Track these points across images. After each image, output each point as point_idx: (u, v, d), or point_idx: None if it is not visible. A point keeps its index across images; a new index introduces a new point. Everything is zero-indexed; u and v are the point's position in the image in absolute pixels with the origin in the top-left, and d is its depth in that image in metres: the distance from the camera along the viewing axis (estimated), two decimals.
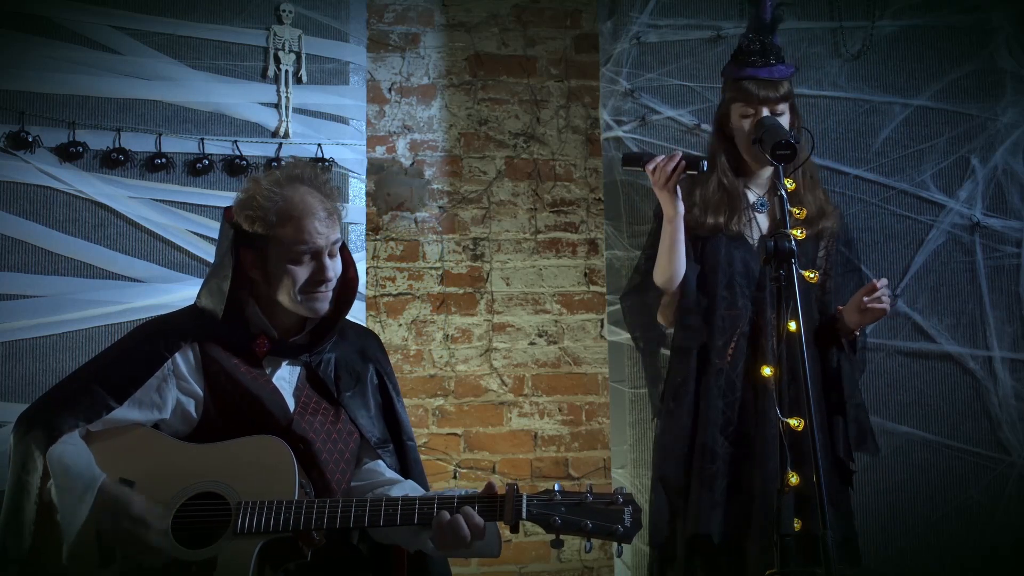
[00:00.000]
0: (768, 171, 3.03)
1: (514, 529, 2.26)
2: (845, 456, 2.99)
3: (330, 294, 2.43)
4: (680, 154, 2.96)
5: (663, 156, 2.97)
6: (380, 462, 2.50)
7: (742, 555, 2.93)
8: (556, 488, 2.27)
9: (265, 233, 2.38)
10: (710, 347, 2.98)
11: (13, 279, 3.16)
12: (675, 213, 2.98)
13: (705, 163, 2.95)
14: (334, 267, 2.43)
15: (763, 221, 3.04)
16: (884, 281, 2.91)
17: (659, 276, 3.04)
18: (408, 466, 2.56)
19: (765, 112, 2.96)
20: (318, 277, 2.39)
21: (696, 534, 2.92)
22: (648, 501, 3.07)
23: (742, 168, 3.07)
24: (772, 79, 2.97)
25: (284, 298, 2.41)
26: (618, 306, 3.50)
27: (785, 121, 2.99)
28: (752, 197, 3.05)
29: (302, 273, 2.39)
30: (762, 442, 2.90)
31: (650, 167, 2.97)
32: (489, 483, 2.32)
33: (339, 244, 2.44)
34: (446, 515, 2.25)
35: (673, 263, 2.99)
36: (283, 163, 3.04)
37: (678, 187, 2.96)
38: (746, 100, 2.99)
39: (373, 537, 2.47)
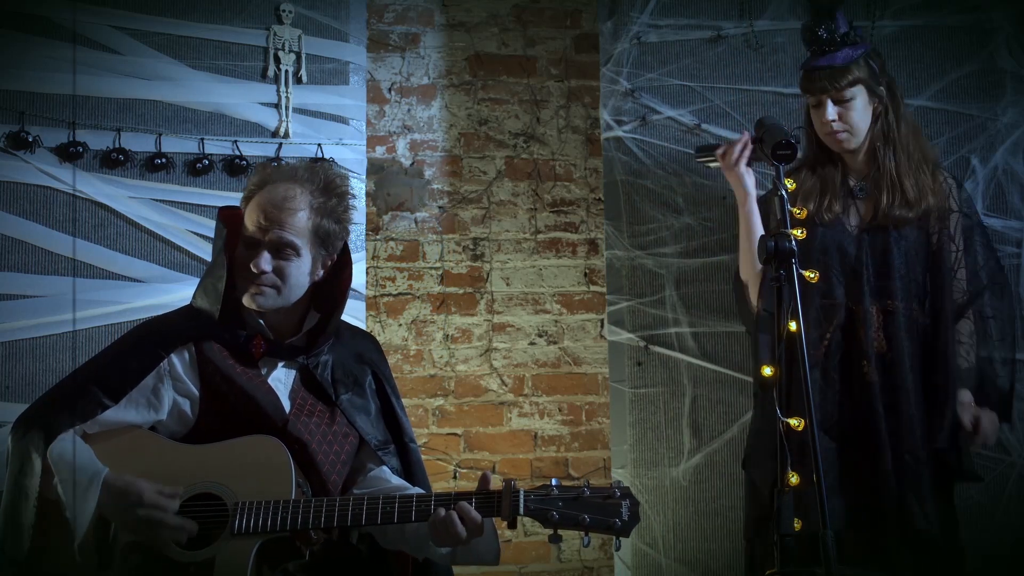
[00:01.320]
0: (862, 156, 3.01)
1: (511, 525, 2.26)
2: (947, 446, 2.91)
3: (270, 291, 2.40)
4: (748, 135, 2.96)
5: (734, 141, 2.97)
6: (385, 468, 2.50)
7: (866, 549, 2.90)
8: (553, 483, 2.27)
9: (242, 215, 2.44)
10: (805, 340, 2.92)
11: (13, 279, 3.16)
12: (746, 194, 2.95)
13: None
14: (281, 266, 2.39)
15: (863, 207, 3.00)
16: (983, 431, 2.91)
17: (743, 268, 3.01)
18: (411, 468, 2.56)
19: (829, 103, 2.94)
20: (248, 266, 2.39)
21: (781, 535, 2.89)
22: (743, 497, 3.05)
23: (836, 155, 3.02)
24: (832, 67, 2.93)
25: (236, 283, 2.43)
26: (618, 305, 3.51)
27: (858, 107, 2.95)
28: (851, 182, 3.02)
29: (241, 260, 2.41)
30: (867, 435, 2.87)
31: (720, 150, 2.99)
32: (483, 474, 2.32)
33: (289, 249, 2.40)
34: (442, 511, 2.25)
35: (752, 252, 2.94)
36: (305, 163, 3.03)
37: (749, 172, 2.94)
38: (808, 91, 2.98)
39: (381, 543, 2.47)
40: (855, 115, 2.96)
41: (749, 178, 2.97)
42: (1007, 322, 3.04)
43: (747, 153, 2.94)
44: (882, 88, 2.99)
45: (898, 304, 2.93)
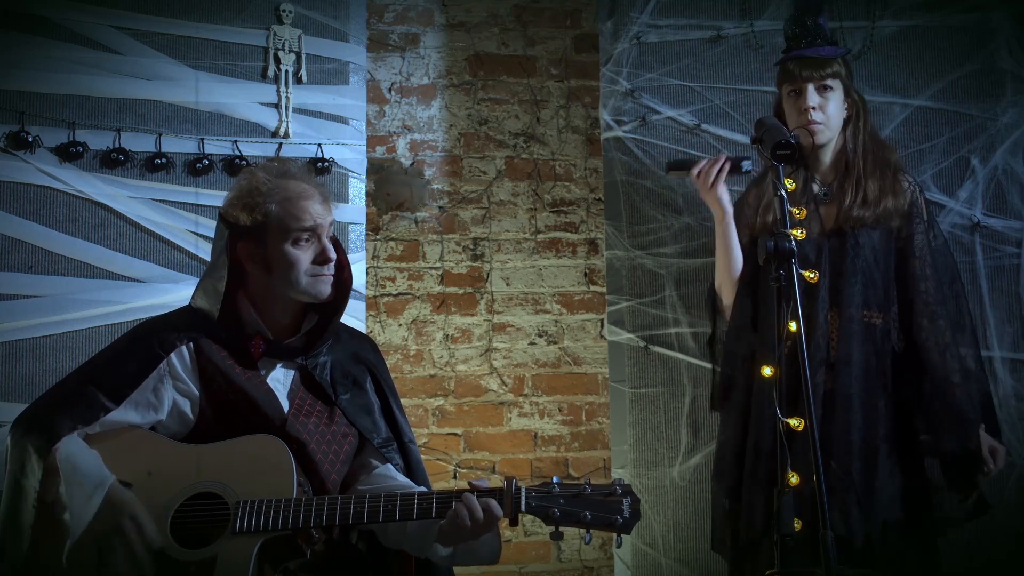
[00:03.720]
0: (828, 157, 3.02)
1: (513, 522, 2.26)
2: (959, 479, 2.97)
3: (331, 278, 2.44)
4: (724, 156, 2.99)
5: (707, 160, 2.99)
6: (389, 466, 2.50)
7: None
8: (554, 480, 2.27)
9: (264, 220, 2.40)
10: (763, 348, 2.92)
11: (13, 279, 3.16)
12: (723, 213, 2.99)
13: (748, 162, 2.97)
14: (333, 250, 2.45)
15: (825, 213, 3.00)
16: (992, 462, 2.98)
17: (718, 279, 3.05)
18: (411, 467, 2.55)
19: (811, 89, 2.95)
20: (322, 257, 2.41)
21: (751, 536, 2.90)
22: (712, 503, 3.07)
23: (803, 157, 3.02)
24: (818, 56, 2.96)
25: (286, 285, 2.41)
26: (618, 305, 3.51)
27: (836, 101, 2.98)
28: (815, 187, 3.03)
29: (303, 256, 2.41)
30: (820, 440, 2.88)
31: (694, 172, 3.01)
32: (472, 482, 2.32)
33: (332, 231, 2.46)
34: (451, 513, 2.25)
35: (729, 265, 2.99)
36: (274, 158, 3.05)
37: (724, 188, 2.97)
38: (790, 80, 2.99)
39: (383, 543, 2.47)
40: (832, 108, 2.98)
41: (724, 194, 2.99)
42: (971, 335, 3.05)
43: (724, 175, 2.97)
44: (855, 92, 3.04)
45: (852, 311, 2.93)
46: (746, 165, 2.97)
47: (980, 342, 3.43)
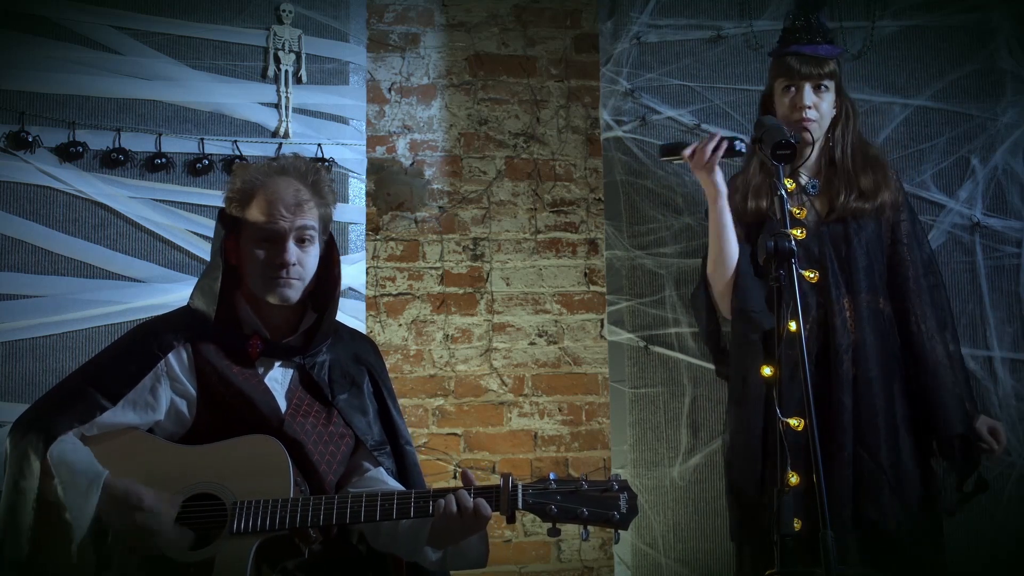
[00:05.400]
0: (815, 154, 3.02)
1: (511, 519, 2.26)
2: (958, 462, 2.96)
3: (296, 282, 2.41)
4: (719, 135, 2.95)
5: (702, 139, 2.96)
6: (381, 469, 2.49)
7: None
8: (551, 477, 2.27)
9: (239, 216, 2.42)
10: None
11: (13, 279, 3.16)
12: (717, 193, 2.94)
13: (742, 143, 2.93)
14: (301, 256, 2.41)
15: (818, 204, 3.00)
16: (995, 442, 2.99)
17: (711, 266, 3.00)
18: (406, 470, 2.55)
19: (807, 88, 2.96)
20: (275, 261, 2.39)
21: (781, 535, 2.87)
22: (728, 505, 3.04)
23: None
24: (816, 56, 2.96)
25: (253, 286, 2.42)
26: (618, 305, 3.51)
27: (829, 100, 2.98)
28: (803, 180, 3.02)
29: (262, 256, 2.40)
30: (840, 432, 2.85)
31: (687, 152, 2.96)
32: (463, 472, 2.32)
33: (311, 232, 2.42)
34: (441, 503, 2.25)
35: (723, 248, 2.95)
36: (275, 157, 3.04)
37: (718, 168, 2.94)
38: (788, 75, 2.99)
39: (373, 545, 2.46)
40: (825, 107, 3.00)
41: (719, 175, 2.96)
42: (947, 319, 3.07)
43: (719, 154, 2.93)
44: (845, 92, 3.05)
45: (863, 296, 2.95)
46: (739, 146, 2.93)
47: (980, 342, 3.45)
